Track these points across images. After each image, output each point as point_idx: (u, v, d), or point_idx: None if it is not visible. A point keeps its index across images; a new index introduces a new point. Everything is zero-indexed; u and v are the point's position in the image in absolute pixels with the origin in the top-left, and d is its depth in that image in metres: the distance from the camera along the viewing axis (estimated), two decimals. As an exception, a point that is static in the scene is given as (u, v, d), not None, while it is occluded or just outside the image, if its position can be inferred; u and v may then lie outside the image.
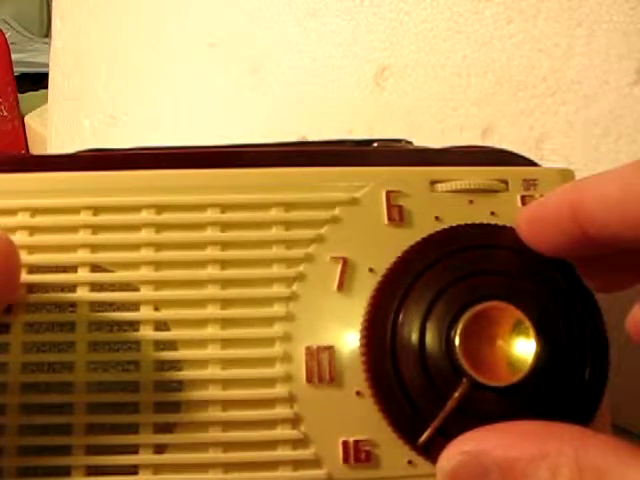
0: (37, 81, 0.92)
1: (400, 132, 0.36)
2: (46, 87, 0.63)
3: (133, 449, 0.19)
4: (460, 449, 0.17)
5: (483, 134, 0.34)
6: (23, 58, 1.00)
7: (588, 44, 0.31)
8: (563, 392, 0.19)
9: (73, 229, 0.20)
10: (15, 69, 0.87)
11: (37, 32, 1.20)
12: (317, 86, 0.40)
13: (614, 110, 0.30)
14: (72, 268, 0.20)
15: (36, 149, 0.82)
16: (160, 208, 0.21)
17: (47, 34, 1.17)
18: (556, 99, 0.32)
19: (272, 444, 0.19)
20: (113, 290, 0.20)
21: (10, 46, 0.87)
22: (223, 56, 0.45)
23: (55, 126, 0.61)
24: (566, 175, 0.22)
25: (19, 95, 0.87)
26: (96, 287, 0.20)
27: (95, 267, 0.20)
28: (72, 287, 0.20)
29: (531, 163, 0.23)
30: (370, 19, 0.38)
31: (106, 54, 0.54)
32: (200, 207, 0.21)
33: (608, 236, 0.18)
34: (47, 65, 0.63)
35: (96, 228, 0.20)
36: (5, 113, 0.85)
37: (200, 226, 0.21)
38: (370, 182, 0.21)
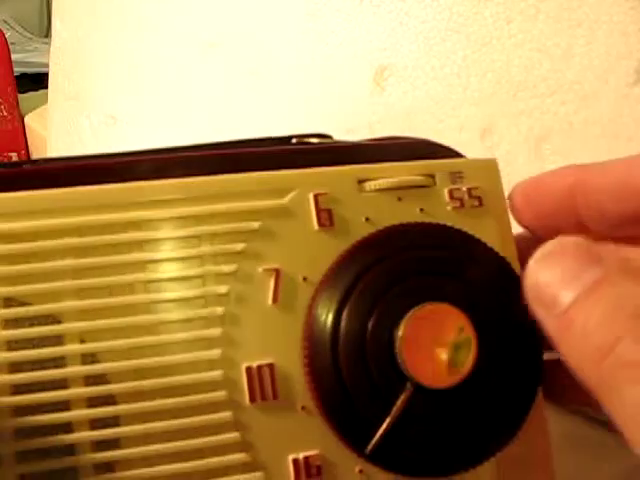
0: (37, 81, 0.92)
1: (400, 132, 0.36)
2: (46, 87, 0.63)
3: None
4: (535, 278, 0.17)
5: (483, 134, 0.34)
6: (23, 58, 1.00)
7: (588, 44, 0.31)
8: (502, 390, 0.19)
9: None
10: (15, 69, 0.87)
11: (37, 32, 1.20)
12: (317, 86, 0.40)
13: (614, 110, 0.30)
14: None
15: (36, 149, 0.82)
16: (76, 230, 0.19)
17: (47, 34, 1.17)
18: (556, 99, 0.32)
19: (222, 470, 0.18)
20: (31, 325, 0.18)
21: (10, 46, 0.87)
22: (223, 56, 0.45)
23: (55, 126, 0.61)
24: (490, 165, 0.22)
25: (19, 95, 0.87)
26: (10, 324, 0.18)
27: (8, 301, 0.18)
28: None
29: (455, 154, 0.23)
30: (370, 19, 0.38)
31: (106, 54, 0.54)
32: (118, 226, 0.19)
33: (603, 209, 0.19)
34: (47, 65, 0.63)
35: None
36: (5, 113, 0.85)
37: (121, 246, 0.19)
38: (296, 186, 0.20)
